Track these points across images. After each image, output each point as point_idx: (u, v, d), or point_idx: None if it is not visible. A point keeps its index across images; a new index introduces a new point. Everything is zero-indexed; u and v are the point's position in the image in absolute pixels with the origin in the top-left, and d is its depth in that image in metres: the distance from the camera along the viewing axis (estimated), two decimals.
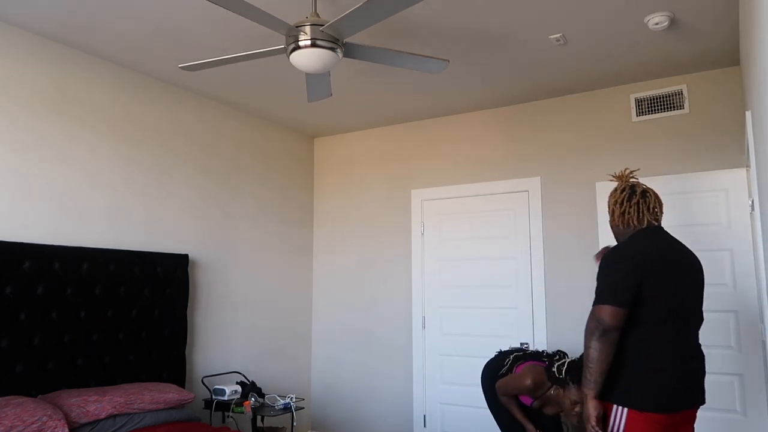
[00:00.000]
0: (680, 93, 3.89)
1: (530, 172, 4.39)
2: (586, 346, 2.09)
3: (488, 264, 4.45)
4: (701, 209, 3.61)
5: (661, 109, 3.95)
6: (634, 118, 4.03)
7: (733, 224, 3.53)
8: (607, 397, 2.11)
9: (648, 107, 3.99)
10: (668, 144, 3.90)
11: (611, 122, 4.12)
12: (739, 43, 3.34)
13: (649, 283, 2.09)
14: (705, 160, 3.79)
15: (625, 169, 2.44)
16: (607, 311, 2.07)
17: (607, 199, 2.40)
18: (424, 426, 4.58)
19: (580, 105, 4.25)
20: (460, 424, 4.44)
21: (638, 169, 2.54)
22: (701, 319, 2.20)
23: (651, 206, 2.26)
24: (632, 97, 4.04)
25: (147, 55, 3.60)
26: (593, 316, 2.10)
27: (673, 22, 3.16)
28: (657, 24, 3.13)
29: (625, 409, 2.05)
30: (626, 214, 2.28)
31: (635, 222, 2.26)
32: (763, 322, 2.94)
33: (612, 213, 2.34)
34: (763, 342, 3.03)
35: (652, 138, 3.96)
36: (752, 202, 2.98)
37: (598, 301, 2.12)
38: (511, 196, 4.44)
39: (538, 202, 4.31)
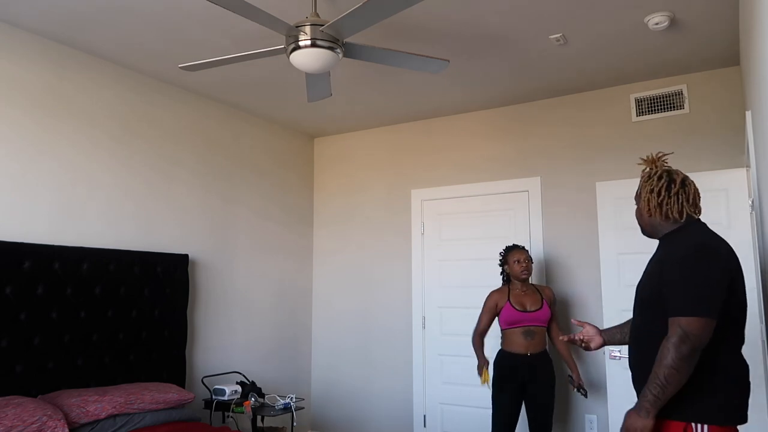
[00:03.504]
0: (680, 93, 3.89)
1: (530, 172, 4.39)
2: (667, 365, 1.78)
3: (488, 264, 4.44)
4: (701, 209, 3.61)
5: (661, 109, 3.95)
6: (634, 118, 4.03)
7: (733, 224, 3.53)
8: (680, 414, 1.84)
9: (648, 107, 3.99)
10: (668, 144, 3.90)
11: (611, 122, 4.12)
12: (739, 43, 3.34)
13: (734, 287, 1.84)
14: (705, 160, 3.79)
15: (658, 153, 2.13)
16: (699, 325, 1.76)
17: (639, 188, 2.08)
18: (424, 426, 4.58)
19: (580, 105, 4.25)
20: (460, 424, 4.43)
21: (672, 153, 2.28)
22: None
23: (691, 197, 2.00)
24: (632, 97, 4.04)
25: (147, 55, 3.60)
26: (678, 330, 1.78)
27: (673, 22, 3.15)
28: (657, 24, 3.13)
29: (706, 426, 1.81)
30: (664, 206, 1.99)
31: (675, 215, 1.97)
32: (763, 322, 2.94)
33: (647, 202, 2.03)
34: (763, 342, 3.03)
35: (652, 138, 3.96)
36: (752, 202, 2.99)
37: (686, 312, 1.79)
38: (511, 196, 4.44)
39: (538, 202, 4.31)
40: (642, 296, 2.02)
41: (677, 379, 1.78)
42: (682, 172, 2.06)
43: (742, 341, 1.90)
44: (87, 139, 3.54)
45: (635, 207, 2.14)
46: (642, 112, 4.01)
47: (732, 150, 3.72)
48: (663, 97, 3.95)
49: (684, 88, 3.88)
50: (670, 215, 1.98)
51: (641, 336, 2.01)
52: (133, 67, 3.78)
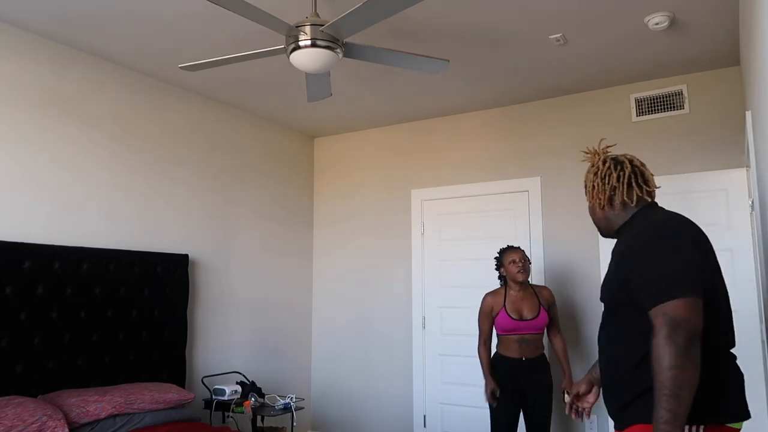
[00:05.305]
0: (680, 93, 3.89)
1: (530, 172, 4.39)
2: (668, 367, 1.43)
3: (488, 264, 4.44)
4: (701, 209, 3.61)
5: (661, 109, 3.95)
6: (634, 118, 4.03)
7: (733, 224, 3.53)
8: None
9: (648, 107, 4.00)
10: (668, 144, 3.90)
11: (611, 122, 4.12)
12: (739, 43, 3.34)
13: (706, 267, 1.57)
14: (705, 160, 3.79)
15: (601, 141, 1.96)
16: (684, 306, 1.46)
17: (585, 182, 1.89)
18: (424, 426, 4.58)
19: (580, 105, 4.25)
20: (460, 424, 4.44)
21: (614, 145, 2.18)
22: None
23: (641, 179, 1.80)
24: (632, 97, 4.05)
25: (147, 55, 3.60)
26: (664, 319, 1.47)
27: (673, 22, 3.16)
28: (657, 24, 3.13)
29: (701, 427, 1.51)
30: (617, 192, 1.79)
31: (627, 200, 1.78)
32: (762, 322, 2.94)
33: (597, 192, 1.82)
34: (763, 342, 3.03)
35: (652, 138, 3.96)
36: (752, 202, 2.99)
37: (664, 296, 1.49)
38: (511, 196, 4.44)
39: (538, 202, 4.31)
40: (606, 299, 1.75)
41: (687, 378, 1.43)
42: (630, 155, 1.88)
43: (731, 335, 1.64)
44: (87, 138, 3.54)
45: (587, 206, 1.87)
46: (642, 112, 4.01)
47: (732, 150, 3.72)
48: (663, 97, 3.95)
49: (684, 88, 3.88)
50: (625, 200, 1.79)
51: (610, 343, 1.72)
52: (133, 67, 3.78)
